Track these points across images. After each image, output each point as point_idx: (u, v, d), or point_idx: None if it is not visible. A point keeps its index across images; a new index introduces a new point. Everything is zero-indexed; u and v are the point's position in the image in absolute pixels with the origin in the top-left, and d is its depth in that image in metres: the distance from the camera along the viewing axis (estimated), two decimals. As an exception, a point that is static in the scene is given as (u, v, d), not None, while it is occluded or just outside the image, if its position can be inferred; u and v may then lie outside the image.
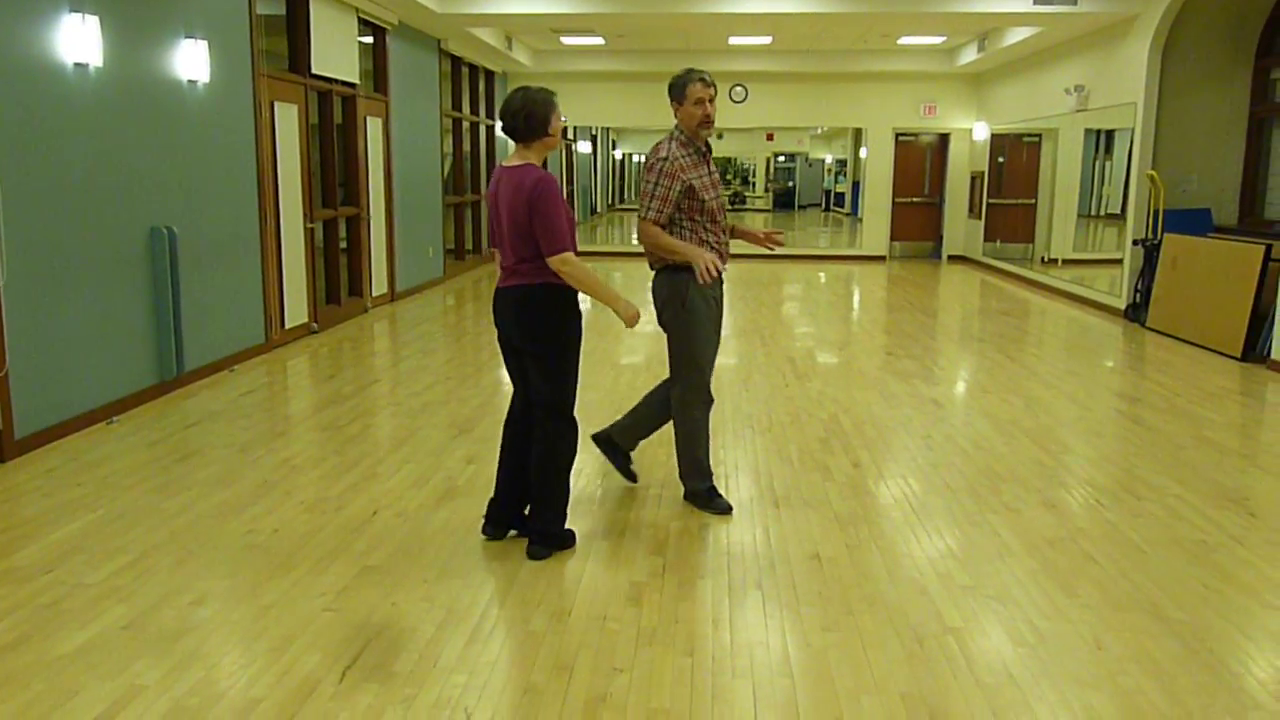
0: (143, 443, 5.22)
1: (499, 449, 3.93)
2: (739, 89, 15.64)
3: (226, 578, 3.55)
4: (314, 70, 8.41)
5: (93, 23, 5.42)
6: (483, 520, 3.95)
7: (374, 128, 9.96)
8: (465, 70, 13.26)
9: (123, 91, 5.81)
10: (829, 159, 31.63)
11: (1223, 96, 9.59)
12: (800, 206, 33.85)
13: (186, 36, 6.44)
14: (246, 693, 2.78)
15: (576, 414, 3.82)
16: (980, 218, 15.08)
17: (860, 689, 2.83)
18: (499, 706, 2.73)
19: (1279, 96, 9.22)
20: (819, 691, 2.82)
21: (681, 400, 4.22)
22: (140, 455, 5.00)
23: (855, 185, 22.29)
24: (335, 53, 8.80)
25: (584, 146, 23.02)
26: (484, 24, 11.26)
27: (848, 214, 25.85)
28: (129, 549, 3.79)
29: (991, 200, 14.72)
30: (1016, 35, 11.53)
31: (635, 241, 21.20)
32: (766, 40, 13.24)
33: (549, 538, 3.77)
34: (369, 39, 10.00)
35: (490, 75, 14.51)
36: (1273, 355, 7.36)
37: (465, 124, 13.41)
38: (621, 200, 33.59)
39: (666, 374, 4.30)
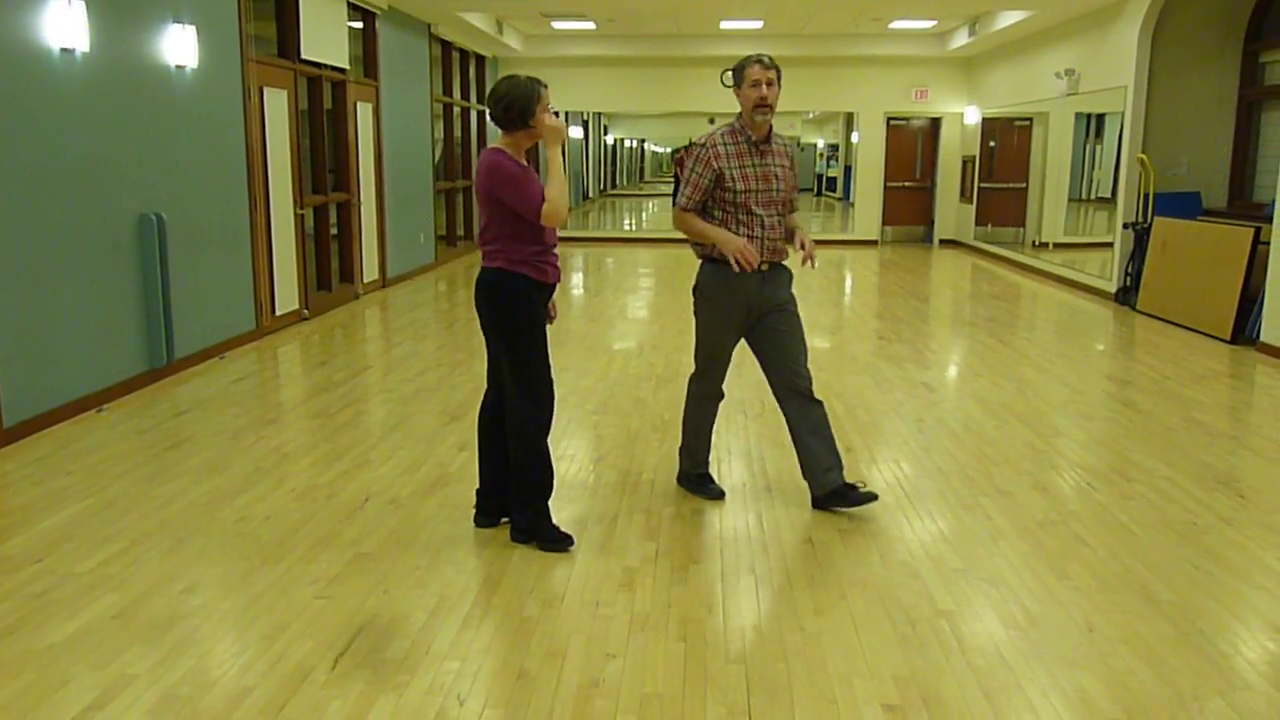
0: (133, 430, 5.20)
1: (477, 438, 3.89)
2: (730, 74, 15.56)
3: (217, 566, 3.54)
4: (303, 55, 8.34)
5: (79, 7, 5.37)
6: (474, 511, 3.93)
7: (364, 113, 9.90)
8: (456, 55, 13.18)
9: (110, 77, 5.76)
10: (821, 143, 31.57)
11: (1212, 80, 9.59)
12: (792, 191, 33.74)
13: (174, 21, 6.38)
14: (238, 681, 2.78)
15: (561, 413, 3.79)
16: (971, 202, 15.09)
17: (853, 672, 2.84)
18: (492, 693, 2.73)
19: (1268, 80, 9.23)
20: (812, 675, 2.83)
21: (692, 384, 4.24)
22: (130, 443, 4.98)
23: (847, 170, 22.26)
24: (325, 38, 8.74)
25: (575, 132, 22.93)
26: (474, 8, 11.19)
27: (839, 199, 25.82)
28: (119, 537, 3.77)
29: (983, 184, 14.72)
30: (1007, 19, 11.51)
31: (627, 227, 21.11)
32: (758, 24, 13.19)
33: (519, 524, 3.74)
34: (358, 24, 9.92)
35: (481, 60, 14.43)
36: (1262, 338, 7.38)
37: (456, 109, 13.34)
38: (614, 186, 33.50)
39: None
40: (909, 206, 16.44)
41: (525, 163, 3.64)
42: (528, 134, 3.59)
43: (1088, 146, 11.53)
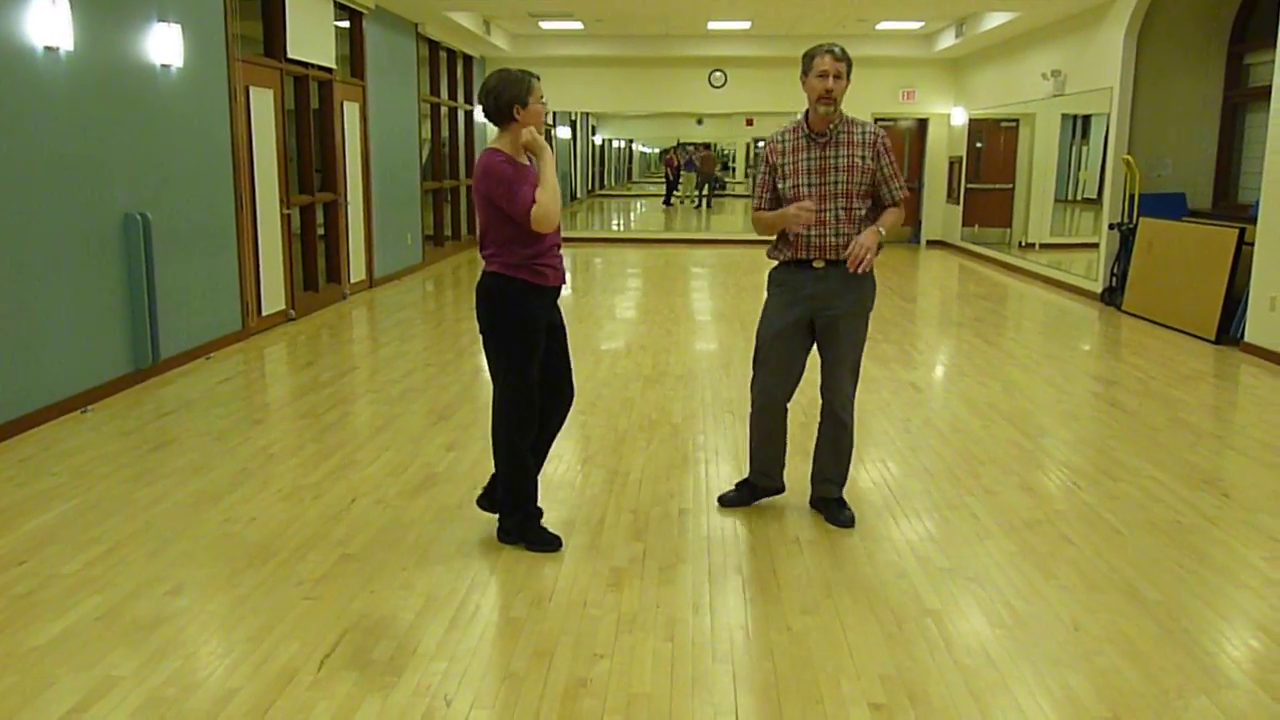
0: (117, 431, 5.17)
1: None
2: (718, 74, 15.60)
3: (203, 567, 3.52)
4: (290, 55, 8.31)
5: (63, 5, 5.33)
6: (479, 492, 3.90)
7: (351, 113, 9.87)
8: (443, 55, 13.16)
9: (94, 76, 5.73)
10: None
11: (1197, 82, 9.65)
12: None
13: (159, 20, 6.35)
14: (224, 682, 2.76)
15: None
16: (958, 203, 15.14)
17: (840, 671, 2.84)
18: (479, 693, 2.72)
19: (1253, 82, 9.28)
20: (799, 674, 2.83)
21: (751, 388, 4.08)
22: (115, 444, 4.95)
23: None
24: (311, 37, 8.70)
25: (563, 132, 22.92)
26: (462, 8, 11.16)
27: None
28: (104, 539, 3.75)
29: (970, 185, 14.77)
30: (994, 20, 11.55)
31: (615, 228, 21.13)
32: (745, 25, 13.21)
33: (505, 530, 3.73)
34: (345, 23, 9.89)
35: (468, 60, 14.41)
36: (1246, 338, 7.43)
37: (443, 109, 13.31)
38: (601, 185, 33.49)
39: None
40: (896, 207, 16.47)
41: (526, 162, 3.58)
42: (519, 128, 3.52)
43: (1074, 147, 11.59)
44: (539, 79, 3.58)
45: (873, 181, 3.77)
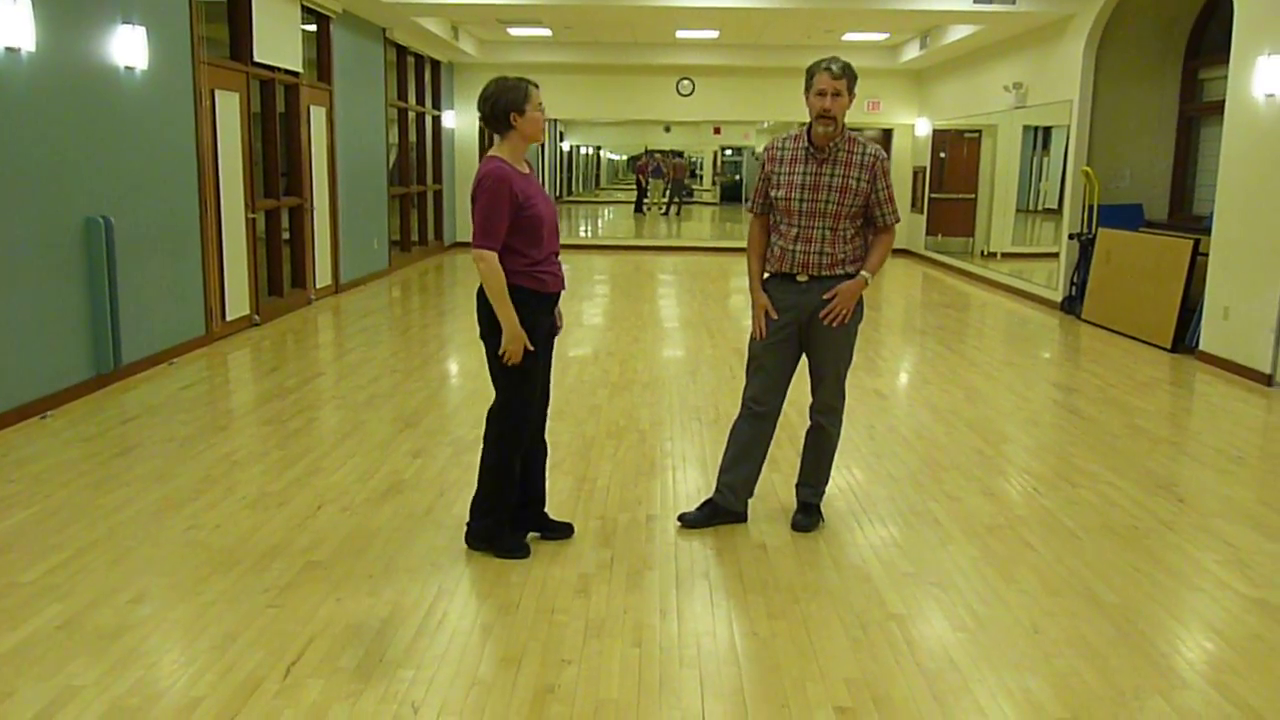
0: (78, 438, 5.10)
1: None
2: (686, 82, 15.67)
3: (166, 575, 3.49)
4: (256, 58, 8.25)
5: (25, 5, 5.26)
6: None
7: (317, 117, 9.81)
8: (411, 60, 13.12)
9: (57, 77, 5.66)
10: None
11: (1154, 96, 9.86)
12: (747, 200, 34.05)
13: (124, 22, 6.28)
14: (188, 692, 2.74)
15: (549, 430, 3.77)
16: (922, 212, 15.32)
17: (806, 675, 2.88)
18: (447, 700, 2.73)
19: (1207, 96, 9.50)
20: (766, 679, 2.86)
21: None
22: (76, 450, 4.89)
23: (801, 179, 22.45)
24: (278, 40, 8.65)
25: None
26: (429, 13, 11.14)
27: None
28: (64, 546, 3.70)
29: (933, 195, 14.96)
30: (957, 33, 11.72)
31: (583, 234, 21.12)
32: (713, 34, 13.29)
33: (475, 533, 3.74)
34: (312, 27, 9.84)
35: (436, 65, 14.37)
36: (1201, 346, 7.59)
37: (411, 114, 13.26)
38: (569, 192, 33.48)
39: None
40: (861, 216, 16.62)
41: (526, 169, 3.57)
42: (517, 135, 3.53)
43: (1035, 159, 11.78)
44: (537, 86, 3.57)
45: (866, 204, 3.77)
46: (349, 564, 3.60)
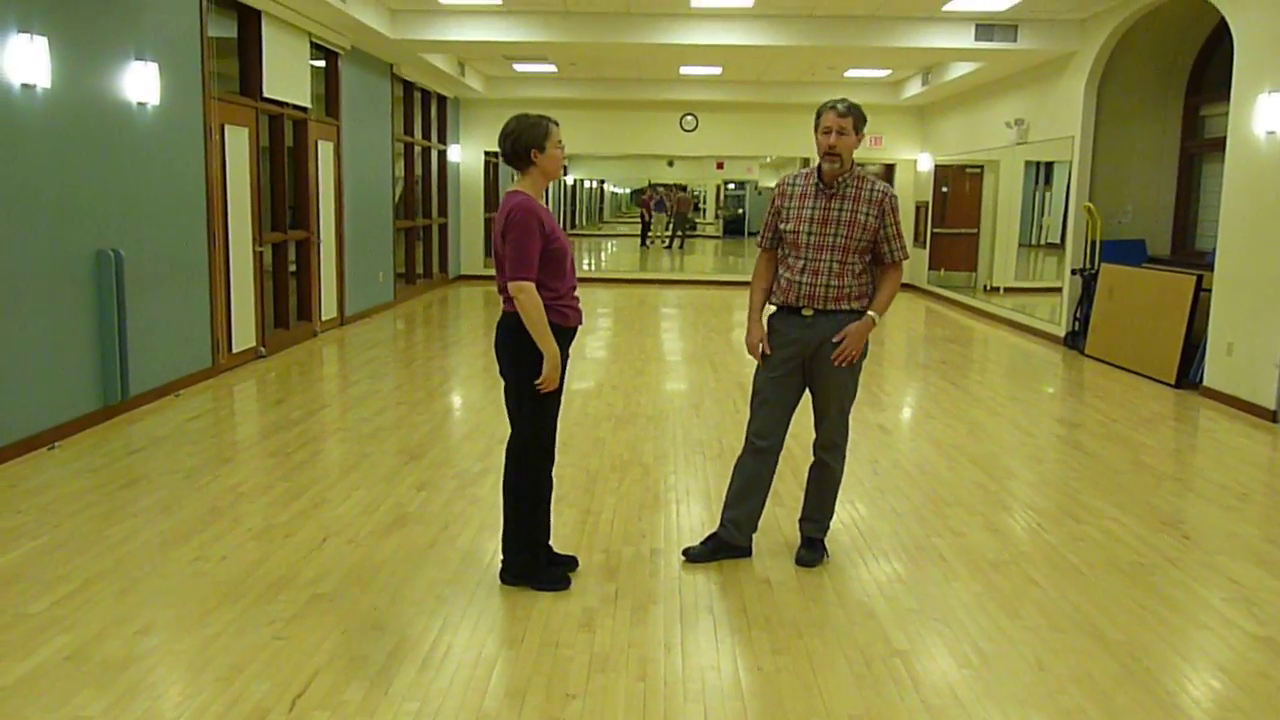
0: (85, 469, 5.12)
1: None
2: (689, 118, 15.83)
3: (172, 606, 3.50)
4: (265, 94, 8.36)
5: (41, 43, 5.36)
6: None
7: (325, 151, 9.92)
8: (417, 95, 13.26)
9: (71, 113, 5.74)
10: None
11: (1156, 132, 9.95)
12: (750, 233, 34.22)
13: (136, 58, 6.38)
14: (194, 723, 2.74)
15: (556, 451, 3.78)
16: (925, 247, 15.39)
17: (810, 712, 2.87)
18: (452, 734, 2.72)
19: (1208, 133, 9.58)
20: (770, 714, 2.86)
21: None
22: (83, 481, 4.91)
23: (804, 213, 22.57)
24: (287, 76, 8.77)
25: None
26: (437, 50, 11.29)
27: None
28: (71, 577, 3.71)
29: (936, 230, 15.04)
30: (959, 70, 11.85)
31: (587, 267, 21.23)
32: (717, 71, 13.44)
33: (510, 569, 3.75)
34: (321, 63, 9.97)
35: (443, 100, 14.53)
36: (1205, 382, 7.60)
37: (417, 149, 13.39)
38: (573, 225, 33.68)
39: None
40: (864, 250, 16.69)
41: (544, 203, 3.63)
42: (538, 171, 3.57)
43: (1037, 194, 11.86)
44: (557, 124, 3.62)
45: (874, 239, 3.81)
46: (354, 596, 3.61)
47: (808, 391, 3.98)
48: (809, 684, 3.03)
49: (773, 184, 4.05)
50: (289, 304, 9.26)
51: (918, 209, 15.75)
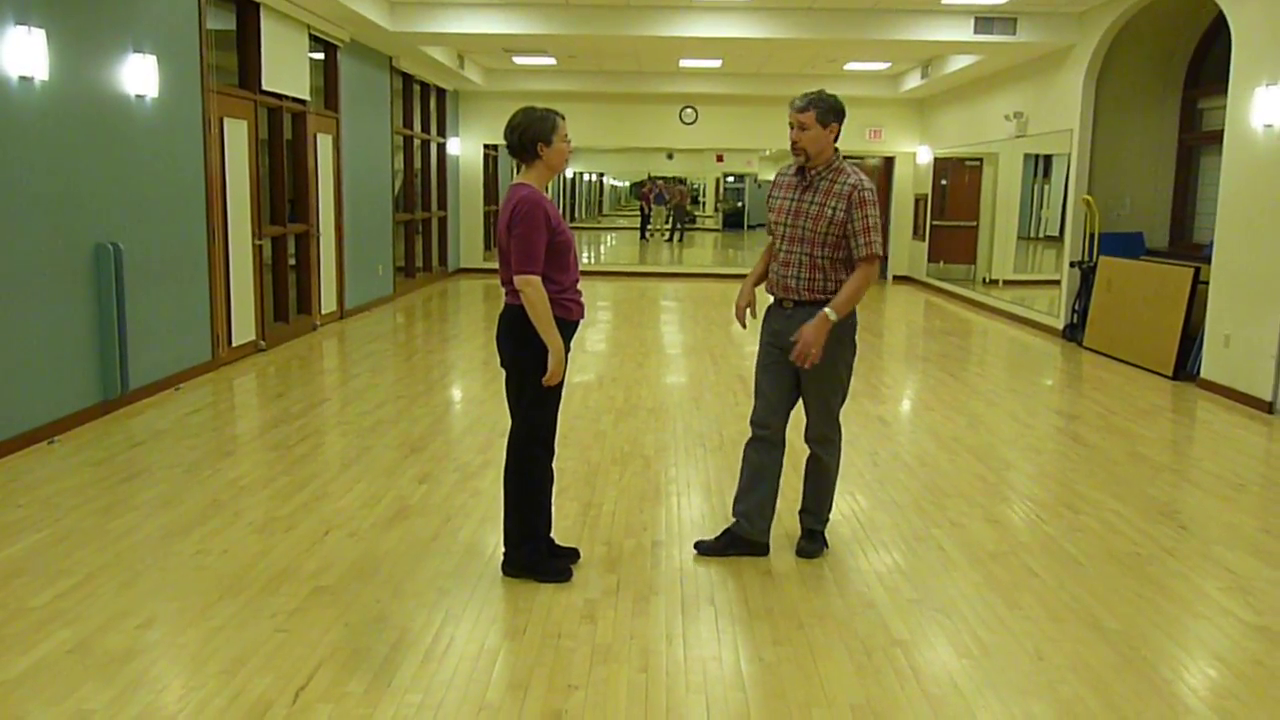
0: (86, 462, 5.13)
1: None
2: (689, 111, 15.81)
3: (175, 600, 3.51)
4: (264, 86, 8.35)
5: (39, 35, 5.35)
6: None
7: (324, 144, 9.91)
8: (417, 88, 13.24)
9: (69, 105, 5.74)
10: (777, 180, 31.95)
11: (1154, 125, 9.95)
12: (749, 226, 34.20)
13: (135, 51, 6.38)
14: (197, 716, 2.76)
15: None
16: (924, 239, 15.40)
17: (811, 701, 2.89)
18: (454, 724, 2.74)
19: (1206, 126, 9.58)
20: (771, 704, 2.87)
21: None
22: (83, 475, 4.92)
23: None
24: (286, 69, 8.75)
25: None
26: (436, 43, 11.27)
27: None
28: (73, 571, 3.73)
29: (935, 222, 15.04)
30: (958, 63, 11.84)
31: (586, 260, 21.22)
32: (716, 63, 13.42)
33: (513, 561, 3.76)
34: (320, 55, 9.95)
35: (442, 93, 14.50)
36: (1202, 374, 7.62)
37: (416, 142, 13.38)
38: (572, 218, 33.64)
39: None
40: (863, 243, 16.69)
41: (548, 195, 3.62)
42: (543, 164, 3.58)
43: (1036, 186, 11.86)
44: (564, 118, 3.62)
45: (843, 233, 3.76)
46: (356, 589, 3.62)
47: None
48: (810, 674, 3.05)
49: (772, 177, 4.04)
50: (288, 297, 9.26)
51: (917, 202, 15.76)
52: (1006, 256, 12.51)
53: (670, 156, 27.24)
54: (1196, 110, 9.71)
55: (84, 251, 5.89)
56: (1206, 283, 7.70)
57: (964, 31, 9.92)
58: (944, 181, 14.79)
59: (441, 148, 14.71)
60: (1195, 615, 3.57)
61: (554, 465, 3.80)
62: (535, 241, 3.46)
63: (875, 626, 3.40)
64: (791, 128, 3.77)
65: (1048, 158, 11.25)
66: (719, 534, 4.09)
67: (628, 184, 46.14)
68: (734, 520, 4.05)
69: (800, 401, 3.99)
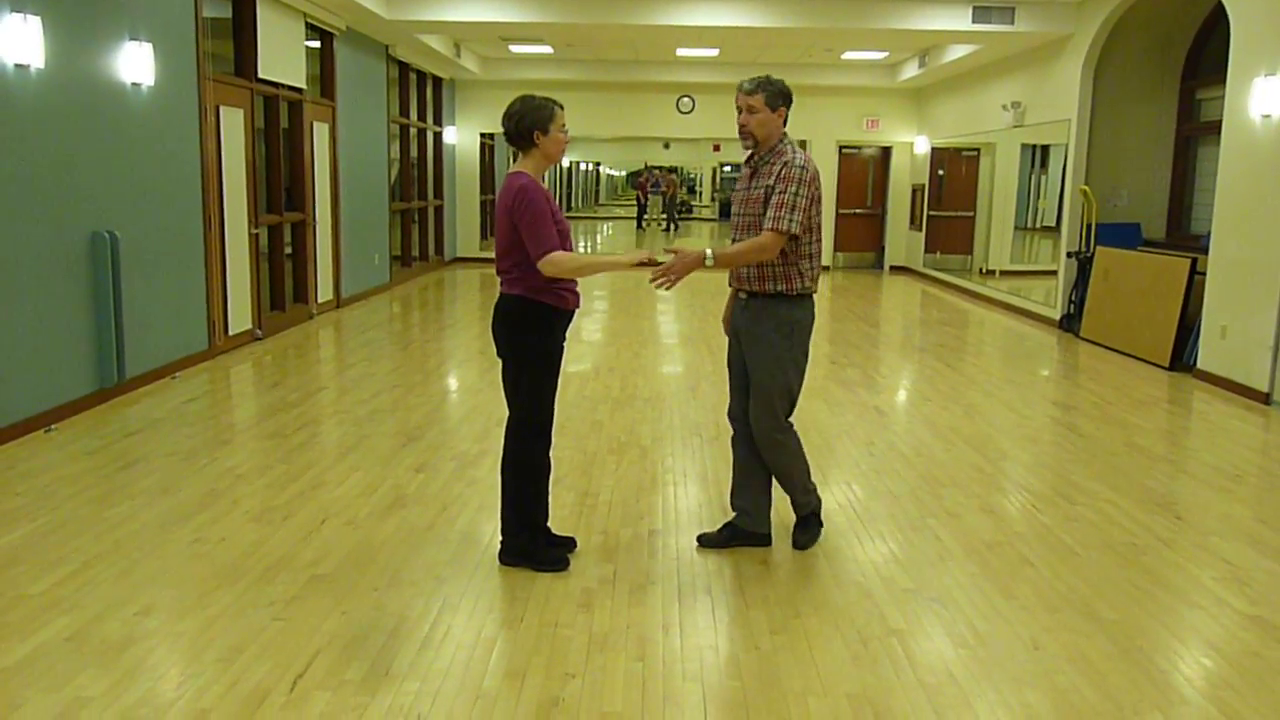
0: (82, 451, 5.13)
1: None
2: (686, 100, 15.77)
3: (172, 588, 3.51)
4: (260, 75, 8.32)
5: (34, 23, 5.32)
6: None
7: (320, 133, 9.88)
8: (413, 76, 13.20)
9: (65, 93, 5.71)
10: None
11: (1151, 115, 9.94)
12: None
13: (131, 39, 6.34)
14: (195, 703, 2.76)
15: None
16: (921, 229, 15.39)
17: (807, 690, 2.90)
18: (451, 713, 2.75)
19: (1204, 116, 9.58)
20: (768, 693, 2.88)
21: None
22: (80, 464, 4.91)
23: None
24: (282, 57, 8.72)
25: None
26: (432, 31, 11.23)
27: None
28: (70, 559, 3.73)
29: (932, 212, 15.03)
30: (956, 52, 11.81)
31: (583, 249, 21.21)
32: (713, 52, 13.39)
33: (510, 550, 3.77)
34: (316, 44, 9.92)
35: (438, 82, 14.46)
36: (1198, 365, 7.63)
37: (413, 130, 13.34)
38: (569, 208, 33.61)
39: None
40: (860, 233, 16.73)
41: (544, 184, 3.62)
42: (540, 153, 3.58)
43: (1033, 177, 11.86)
44: (562, 107, 3.62)
45: None
46: (354, 577, 3.63)
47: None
48: (806, 663, 3.06)
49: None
50: (285, 286, 9.25)
51: (914, 191, 15.75)
52: (1003, 247, 12.51)
53: (667, 146, 27.24)
54: (1194, 100, 9.71)
55: (80, 240, 5.87)
56: (1203, 273, 7.71)
57: (962, 21, 9.90)
58: (941, 172, 14.77)
59: (438, 137, 14.67)
60: (1191, 605, 3.58)
61: (551, 454, 3.80)
62: (543, 225, 3.46)
63: (871, 616, 3.41)
64: (740, 112, 3.68)
65: (1045, 148, 11.24)
66: (720, 527, 4.09)
67: (624, 173, 46.09)
68: (735, 516, 4.05)
69: (803, 395, 3.98)
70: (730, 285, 3.90)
